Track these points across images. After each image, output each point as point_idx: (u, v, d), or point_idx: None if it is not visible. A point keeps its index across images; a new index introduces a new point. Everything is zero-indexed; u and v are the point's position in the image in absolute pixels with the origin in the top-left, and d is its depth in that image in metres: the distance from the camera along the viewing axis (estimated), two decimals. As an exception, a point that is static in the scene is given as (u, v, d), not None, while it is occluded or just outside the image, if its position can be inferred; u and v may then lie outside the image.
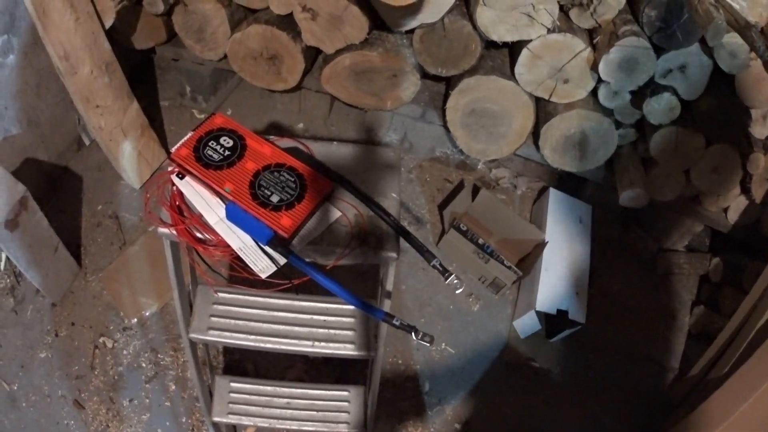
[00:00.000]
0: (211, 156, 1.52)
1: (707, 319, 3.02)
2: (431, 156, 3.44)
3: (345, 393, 2.24)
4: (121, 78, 2.89)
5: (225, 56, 3.07)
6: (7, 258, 2.71)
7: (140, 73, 3.40)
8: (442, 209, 3.24)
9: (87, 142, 3.20)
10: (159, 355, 2.62)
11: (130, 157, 2.98)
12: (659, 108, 2.73)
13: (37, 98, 2.84)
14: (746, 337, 2.33)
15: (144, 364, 2.60)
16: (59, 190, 3.02)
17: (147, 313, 2.72)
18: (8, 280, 2.74)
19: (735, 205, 3.06)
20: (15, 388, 2.50)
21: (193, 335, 1.83)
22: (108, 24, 2.76)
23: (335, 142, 1.72)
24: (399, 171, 1.69)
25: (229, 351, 2.64)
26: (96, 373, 2.56)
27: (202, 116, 3.40)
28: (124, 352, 2.62)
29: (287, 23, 2.89)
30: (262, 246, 1.46)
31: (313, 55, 3.10)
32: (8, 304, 2.69)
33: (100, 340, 2.64)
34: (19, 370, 2.54)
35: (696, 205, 3.12)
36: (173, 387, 2.55)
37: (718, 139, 2.84)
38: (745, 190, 2.99)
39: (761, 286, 2.37)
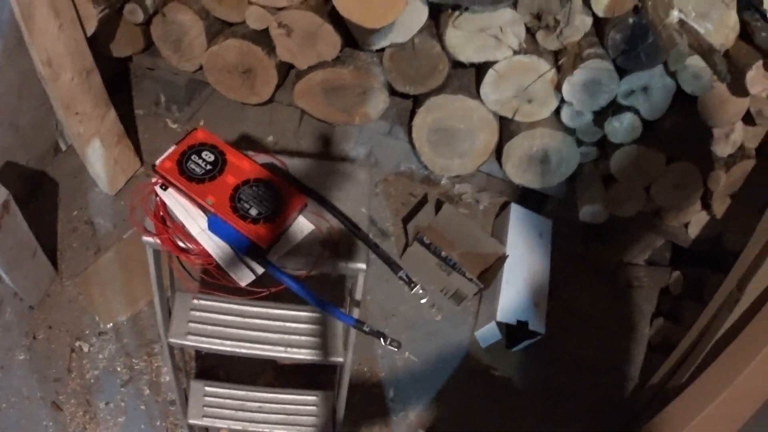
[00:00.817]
0: (193, 169, 1.64)
1: (667, 330, 3.12)
2: (396, 170, 3.53)
3: (314, 398, 2.35)
4: (100, 86, 2.97)
5: (200, 67, 3.14)
6: None
7: (116, 81, 3.44)
8: (406, 222, 3.34)
9: (64, 147, 3.26)
10: (133, 360, 2.71)
11: (106, 165, 3.06)
12: (621, 127, 2.81)
13: (19, 101, 2.89)
14: (704, 348, 2.42)
15: (119, 368, 2.68)
16: (37, 194, 3.08)
17: (121, 319, 2.80)
18: None
19: (696, 220, 3.15)
20: (-6, 389, 2.59)
21: (171, 340, 1.93)
22: (90, 31, 2.83)
23: (309, 159, 1.85)
24: (368, 188, 1.82)
25: (201, 356, 2.72)
26: (73, 376, 2.64)
27: (176, 126, 3.50)
28: (100, 356, 2.70)
29: (263, 38, 2.96)
30: (242, 256, 1.59)
31: (285, 69, 3.17)
32: None
33: (77, 344, 2.72)
34: (-2, 371, 2.63)
35: (657, 220, 3.19)
36: (147, 391, 2.63)
37: (680, 157, 2.92)
38: (706, 206, 3.06)
39: (720, 299, 2.45)
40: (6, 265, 2.56)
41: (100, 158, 3.04)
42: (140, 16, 2.98)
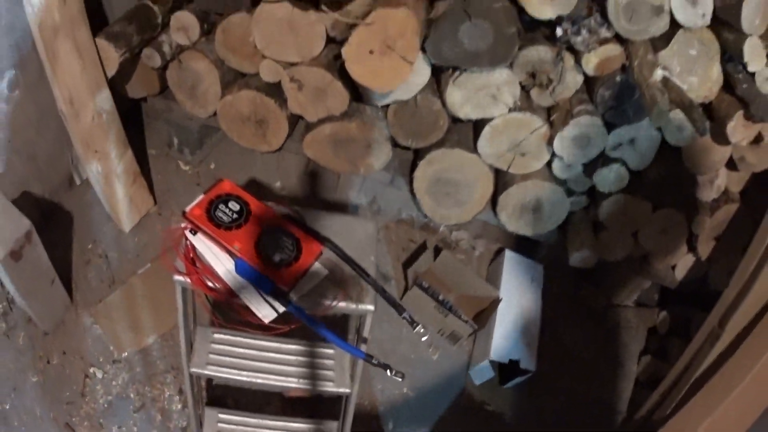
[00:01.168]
0: (221, 218, 1.94)
1: (654, 367, 3.34)
2: (398, 218, 3.69)
3: (320, 427, 2.60)
4: (119, 126, 3.14)
5: (214, 114, 3.28)
6: (0, 284, 2.85)
7: (128, 120, 3.42)
8: (406, 267, 3.51)
9: (78, 181, 3.40)
10: (146, 388, 2.87)
11: (121, 202, 3.25)
12: (609, 178, 3.04)
13: (37, 134, 3.01)
14: (688, 381, 2.62)
15: (132, 395, 2.85)
16: (50, 224, 3.17)
17: (136, 349, 2.98)
18: (0, 306, 2.89)
19: (682, 262, 3.37)
20: (7, 407, 2.69)
21: (193, 369, 2.21)
22: (110, 74, 3.00)
23: (323, 211, 2.15)
24: (376, 239, 2.11)
25: (211, 386, 2.90)
26: (86, 400, 2.79)
27: (188, 168, 3.72)
28: (113, 382, 2.87)
29: (275, 91, 3.12)
30: (265, 296, 1.87)
31: (295, 120, 3.30)
32: (0, 328, 2.86)
33: (91, 370, 2.88)
34: (11, 391, 2.73)
35: (645, 263, 3.39)
36: (159, 417, 2.81)
37: (666, 204, 3.14)
38: (692, 249, 3.28)
39: (703, 335, 2.63)
40: (25, 292, 2.70)
41: (116, 196, 3.21)
42: (158, 62, 3.17)
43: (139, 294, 3.15)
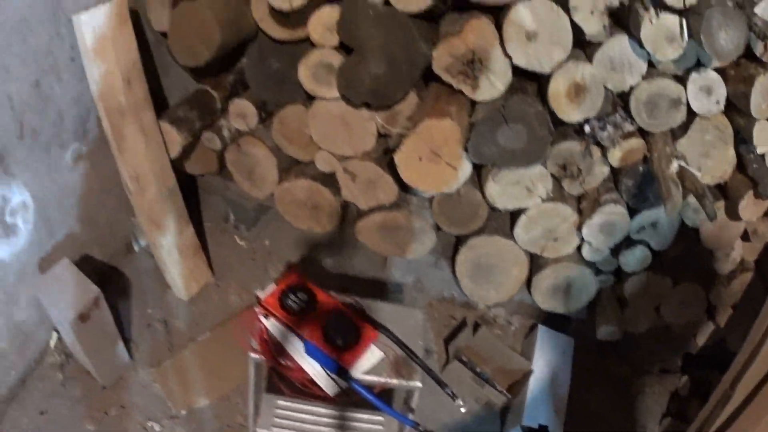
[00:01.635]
0: (291, 306, 2.41)
1: (674, 428, 3.59)
2: (440, 296, 3.98)
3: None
4: (181, 204, 3.45)
5: (270, 195, 3.56)
6: (58, 338, 3.19)
7: (184, 192, 3.64)
8: (447, 342, 3.79)
9: (136, 249, 3.77)
10: None
11: (181, 273, 3.59)
12: (633, 259, 3.37)
13: (98, 203, 3.31)
14: None
15: None
16: (110, 288, 3.36)
17: (194, 408, 3.24)
18: (58, 358, 3.21)
19: (702, 330, 3.69)
20: (60, 450, 2.97)
21: (259, 430, 2.69)
22: (173, 155, 3.28)
23: (379, 301, 2.61)
24: (423, 326, 2.57)
25: None
26: None
27: (243, 243, 4.06)
28: None
29: (330, 180, 3.41)
30: (330, 374, 2.33)
31: (347, 205, 3.55)
32: (57, 378, 3.17)
33: (149, 423, 3.14)
34: (64, 435, 3.01)
35: (667, 333, 3.67)
36: None
37: (685, 278, 3.43)
38: (711, 317, 3.59)
39: (716, 397, 2.77)
40: (89, 350, 3.00)
41: (177, 267, 3.56)
42: (218, 145, 3.46)
43: (198, 360, 3.44)
